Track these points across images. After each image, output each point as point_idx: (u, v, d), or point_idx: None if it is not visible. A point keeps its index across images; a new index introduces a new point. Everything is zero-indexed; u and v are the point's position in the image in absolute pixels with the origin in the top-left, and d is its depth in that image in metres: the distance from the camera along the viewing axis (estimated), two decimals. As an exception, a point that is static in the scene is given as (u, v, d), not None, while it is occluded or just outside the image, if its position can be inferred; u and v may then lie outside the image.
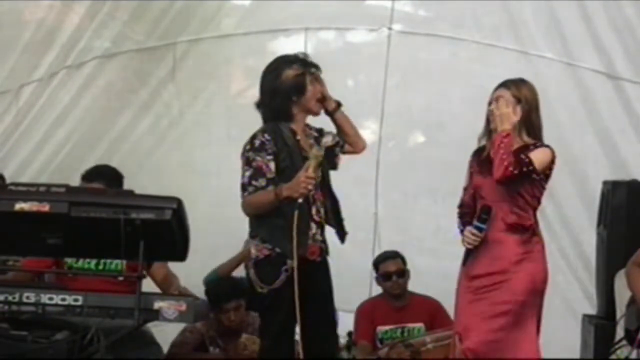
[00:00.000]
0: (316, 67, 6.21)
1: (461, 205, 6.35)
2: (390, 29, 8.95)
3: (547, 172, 6.14)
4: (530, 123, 6.15)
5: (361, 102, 8.60)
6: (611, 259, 7.71)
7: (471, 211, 6.22)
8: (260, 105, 6.18)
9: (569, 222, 8.63)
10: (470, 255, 6.13)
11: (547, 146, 6.13)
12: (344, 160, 6.44)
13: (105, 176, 7.28)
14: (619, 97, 8.55)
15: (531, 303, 6.08)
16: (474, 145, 6.36)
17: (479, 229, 6.01)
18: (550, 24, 8.72)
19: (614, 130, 8.59)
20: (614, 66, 8.51)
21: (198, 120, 8.81)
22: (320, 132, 6.29)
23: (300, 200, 5.80)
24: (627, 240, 7.39)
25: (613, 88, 8.58)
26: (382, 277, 7.99)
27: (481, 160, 6.21)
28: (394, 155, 8.47)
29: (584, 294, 8.43)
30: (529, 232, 6.11)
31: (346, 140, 6.36)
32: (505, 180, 5.94)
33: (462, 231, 6.20)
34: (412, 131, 8.22)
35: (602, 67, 8.57)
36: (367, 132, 8.59)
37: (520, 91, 6.14)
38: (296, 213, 5.79)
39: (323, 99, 6.18)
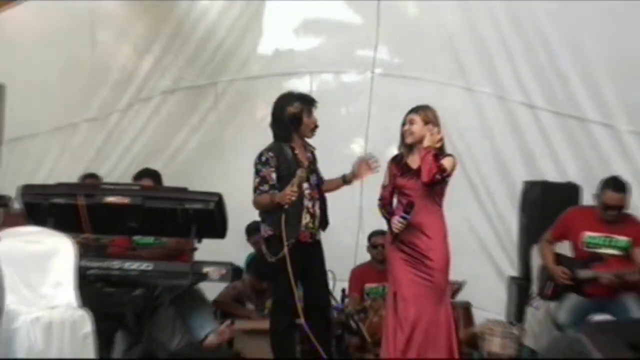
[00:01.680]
0: (314, 103, 6.29)
1: (381, 199, 6.24)
2: (373, 72, 9.05)
3: (451, 175, 6.10)
4: (438, 136, 6.06)
5: (352, 125, 8.90)
6: (528, 237, 7.86)
7: (388, 203, 6.19)
8: (271, 127, 6.30)
9: (499, 210, 8.67)
10: (397, 236, 6.06)
11: (451, 155, 6.14)
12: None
13: (151, 175, 7.57)
14: (535, 121, 8.59)
15: (447, 271, 6.13)
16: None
17: (405, 219, 5.93)
18: (488, 68, 8.72)
19: (531, 144, 8.64)
20: (532, 99, 8.56)
21: (233, 139, 8.96)
22: (314, 153, 6.39)
23: (286, 206, 5.99)
24: (540, 224, 7.50)
25: (532, 115, 8.60)
26: (372, 247, 7.97)
27: (401, 166, 6.14)
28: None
29: (509, 262, 8.45)
30: (439, 218, 6.14)
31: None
32: (431, 183, 5.92)
33: (387, 220, 6.15)
34: (388, 147, 7.65)
35: (524, 99, 8.60)
36: (357, 146, 8.99)
37: (426, 115, 6.09)
38: (283, 217, 5.98)
39: (315, 128, 6.26)
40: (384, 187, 6.27)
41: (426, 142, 6.01)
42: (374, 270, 7.95)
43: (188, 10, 8.86)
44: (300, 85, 8.31)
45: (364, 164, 6.40)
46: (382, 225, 7.46)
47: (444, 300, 6.13)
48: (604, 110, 8.40)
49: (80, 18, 8.66)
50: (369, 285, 7.89)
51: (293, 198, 6.00)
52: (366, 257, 8.14)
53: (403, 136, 6.21)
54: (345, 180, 6.43)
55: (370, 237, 8.02)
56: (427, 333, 5.96)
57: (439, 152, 6.05)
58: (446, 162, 6.02)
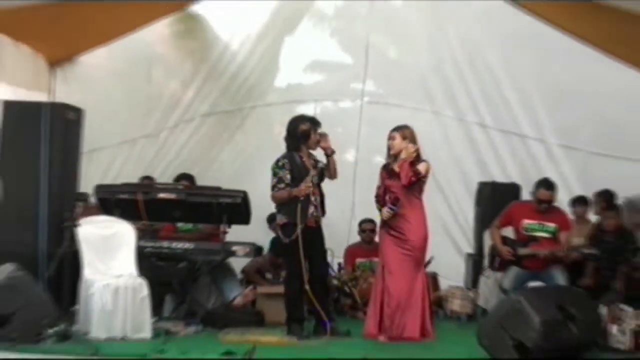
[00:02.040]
0: (319, 124, 6.23)
1: (376, 196, 6.25)
2: (362, 100, 8.99)
3: (427, 175, 6.18)
4: (415, 147, 6.10)
5: (346, 140, 8.68)
6: (481, 224, 7.85)
7: (381, 199, 6.18)
8: (285, 140, 6.24)
9: (459, 203, 8.65)
10: (386, 223, 6.13)
11: (425, 160, 6.16)
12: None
13: (187, 178, 7.60)
14: (486, 136, 8.65)
15: (424, 249, 6.19)
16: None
17: (392, 210, 6.03)
18: (450, 97, 8.74)
19: (483, 154, 8.68)
20: (483, 120, 8.64)
21: (255, 151, 8.80)
22: (316, 161, 6.24)
23: (301, 198, 5.96)
24: (490, 214, 7.47)
25: (483, 132, 8.67)
26: (362, 231, 7.87)
27: (389, 171, 6.16)
28: (364, 170, 8.33)
29: (467, 242, 8.40)
30: (419, 210, 6.16)
31: (327, 173, 6.25)
32: (409, 185, 6.01)
33: (380, 210, 6.20)
34: (374, 155, 8.01)
35: (478, 120, 8.66)
36: (350, 155, 8.82)
37: (404, 132, 6.14)
38: (299, 207, 5.93)
39: (317, 142, 6.15)
40: (378, 187, 6.28)
41: (402, 155, 6.09)
42: (362, 248, 7.89)
43: (222, 53, 8.82)
44: (307, 110, 8.14)
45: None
46: (369, 215, 7.51)
47: (421, 269, 6.18)
48: (537, 128, 8.54)
49: (140, 59, 8.66)
50: (359, 260, 7.80)
51: (308, 192, 5.99)
52: (357, 238, 8.05)
53: (389, 148, 6.22)
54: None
55: (360, 223, 7.93)
56: (408, 297, 6.00)
57: (416, 160, 6.09)
58: (421, 167, 6.08)
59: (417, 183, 6.08)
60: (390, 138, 6.20)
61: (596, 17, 6.82)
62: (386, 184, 6.19)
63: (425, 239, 6.16)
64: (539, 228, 6.92)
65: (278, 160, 6.15)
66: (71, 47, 8.25)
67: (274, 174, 6.12)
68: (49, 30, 7.33)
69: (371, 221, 7.71)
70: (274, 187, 6.11)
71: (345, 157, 8.44)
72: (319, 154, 6.31)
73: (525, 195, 7.55)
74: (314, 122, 6.27)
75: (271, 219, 7.55)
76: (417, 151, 6.14)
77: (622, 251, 6.92)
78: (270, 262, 7.57)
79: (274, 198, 6.15)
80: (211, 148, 8.89)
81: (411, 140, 6.16)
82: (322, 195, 6.23)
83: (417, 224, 6.13)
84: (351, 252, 7.91)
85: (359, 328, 6.34)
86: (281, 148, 6.31)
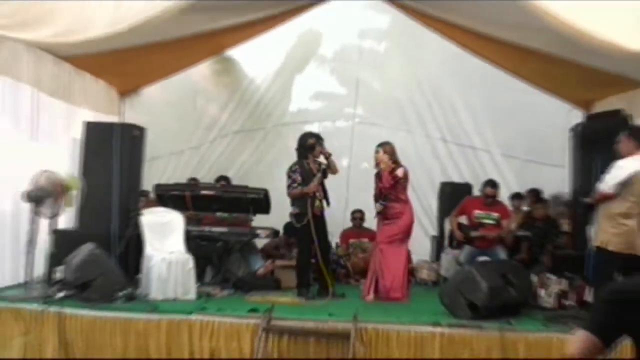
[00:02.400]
0: (323, 139, 6.23)
1: (375, 196, 6.21)
2: (354, 121, 8.90)
3: (406, 178, 6.16)
4: (394, 158, 6.12)
5: (342, 151, 8.35)
6: (443, 213, 7.75)
7: (378, 198, 6.18)
8: (296, 150, 6.22)
9: (427, 198, 8.47)
10: (379, 213, 6.18)
11: (403, 166, 6.15)
12: (331, 176, 6.33)
13: (224, 179, 7.60)
14: (446, 149, 8.62)
15: (407, 233, 6.20)
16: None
17: (382, 205, 6.12)
18: (420, 119, 8.69)
19: (444, 161, 8.63)
20: (445, 136, 8.64)
21: (274, 159, 8.60)
22: (320, 164, 6.20)
23: (310, 195, 5.98)
24: (449, 206, 7.37)
25: (444, 145, 8.66)
26: (353, 219, 7.77)
27: (379, 177, 6.15)
28: (355, 173, 8.25)
29: (432, 227, 8.29)
30: (404, 203, 6.18)
31: (329, 170, 6.21)
32: (390, 187, 6.03)
33: (375, 205, 6.23)
34: (362, 163, 7.86)
35: (441, 136, 8.65)
36: (344, 162, 8.51)
37: (385, 148, 6.15)
38: (309, 202, 5.96)
39: (320, 152, 6.12)
40: (375, 189, 6.24)
41: (382, 166, 6.13)
42: (354, 232, 7.79)
43: (248, 86, 8.79)
44: (312, 128, 8.08)
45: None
46: (358, 206, 7.47)
47: (406, 244, 6.20)
48: (484, 142, 8.57)
49: (187, 91, 8.64)
50: (351, 240, 7.71)
51: (315, 190, 6.00)
52: (349, 225, 7.95)
53: (375, 160, 6.22)
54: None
55: (352, 212, 7.84)
56: (397, 268, 6.02)
57: (395, 168, 6.09)
58: (399, 172, 6.07)
59: (398, 184, 6.05)
60: (375, 152, 6.19)
61: (525, 58, 6.86)
62: (379, 187, 6.17)
63: (410, 225, 6.16)
64: (486, 217, 6.88)
65: (291, 167, 6.13)
66: (136, 82, 8.24)
67: (288, 177, 6.09)
68: (119, 70, 7.32)
69: (360, 211, 7.68)
70: (289, 187, 6.07)
71: (340, 164, 8.34)
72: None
73: (475, 192, 7.51)
74: (318, 138, 6.22)
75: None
76: (395, 162, 6.12)
77: (548, 234, 7.01)
78: (284, 242, 7.55)
79: (289, 195, 6.11)
80: (240, 157, 8.83)
81: (391, 153, 6.15)
82: (325, 191, 6.20)
83: (406, 215, 6.12)
84: (345, 235, 7.80)
85: (351, 292, 6.35)
86: (294, 157, 6.27)
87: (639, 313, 1.98)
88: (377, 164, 6.18)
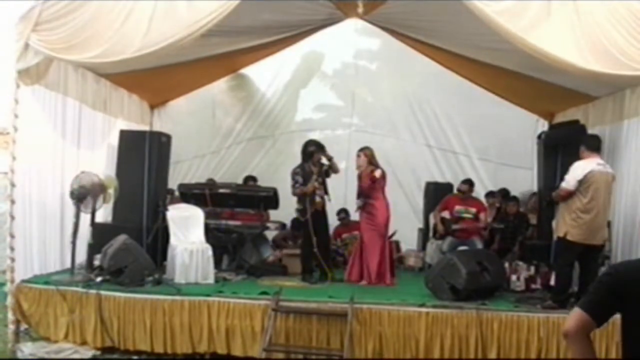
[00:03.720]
0: (323, 147, 6.14)
1: (357, 193, 6.14)
2: (350, 129, 8.73)
3: (384, 179, 6.05)
4: (373, 161, 6.09)
5: (340, 156, 7.84)
6: (428, 209, 7.65)
7: (359, 195, 6.12)
8: (301, 154, 6.17)
9: (414, 195, 8.35)
10: (362, 209, 6.07)
11: (381, 168, 6.07)
12: (333, 176, 6.26)
13: (252, 179, 7.61)
14: (431, 153, 8.51)
15: (384, 226, 6.08)
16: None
17: (363, 202, 6.05)
18: (407, 127, 8.56)
19: (429, 164, 8.50)
20: (429, 142, 8.51)
21: (282, 162, 8.32)
22: (322, 165, 6.12)
23: (309, 194, 5.90)
24: (433, 203, 7.34)
25: (429, 150, 8.52)
26: (339, 218, 7.58)
27: (360, 178, 6.13)
28: (351, 175, 7.45)
29: (418, 221, 8.12)
30: (381, 201, 6.04)
31: (331, 170, 6.14)
32: (368, 186, 5.98)
33: (356, 201, 6.14)
34: None
35: (425, 142, 8.50)
36: (343, 164, 8.22)
37: (365, 152, 6.13)
38: (308, 200, 5.90)
39: (318, 161, 6.04)
40: (357, 188, 6.19)
41: (361, 168, 6.12)
42: (342, 228, 7.60)
43: (260, 99, 8.71)
44: (314, 136, 7.96)
45: None
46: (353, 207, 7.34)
47: (384, 237, 6.10)
48: (464, 147, 8.50)
49: (207, 103, 8.57)
50: (344, 235, 7.52)
51: (312, 189, 5.95)
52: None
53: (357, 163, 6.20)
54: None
55: (337, 213, 7.64)
56: (374, 251, 5.95)
57: (374, 169, 6.03)
58: (377, 173, 5.99)
59: (375, 184, 5.97)
60: (357, 156, 6.15)
61: (497, 76, 6.87)
62: (360, 186, 6.14)
63: (387, 219, 6.07)
64: (465, 211, 6.82)
65: (294, 169, 6.12)
66: (164, 96, 8.21)
67: (292, 178, 6.08)
68: (150, 86, 7.30)
69: (344, 210, 7.58)
70: (292, 187, 6.06)
71: (339, 166, 8.37)
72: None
73: (456, 190, 7.39)
74: (318, 146, 6.14)
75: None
76: (373, 165, 6.05)
77: (519, 227, 6.98)
78: (291, 234, 7.51)
79: (293, 193, 6.09)
80: (253, 160, 8.75)
81: (370, 156, 6.10)
82: (326, 190, 6.13)
83: (382, 210, 6.04)
84: (336, 232, 7.59)
85: (348, 277, 6.32)
86: (299, 160, 6.23)
87: (633, 297, 1.93)
88: (358, 166, 6.14)
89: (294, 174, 6.05)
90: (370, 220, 6.06)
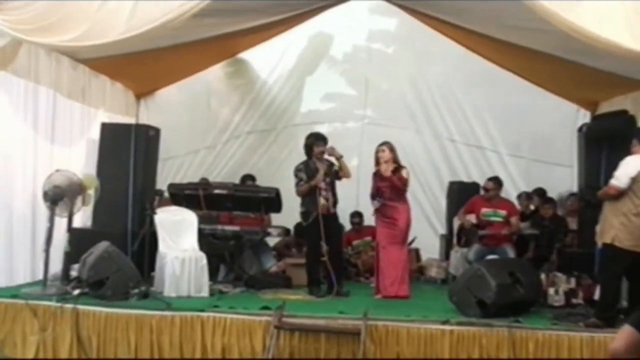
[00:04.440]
0: (321, 137, 6.10)
1: (371, 195, 6.12)
2: (363, 122, 8.78)
3: (409, 178, 6.14)
4: (396, 158, 6.09)
5: (352, 151, 8.14)
6: (451, 212, 7.66)
7: (375, 196, 6.10)
8: (304, 150, 6.17)
9: (436, 197, 8.43)
10: (380, 211, 6.07)
11: (405, 167, 6.14)
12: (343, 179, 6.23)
13: (251, 178, 7.60)
14: (455, 148, 8.52)
15: (407, 233, 6.13)
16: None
17: (380, 202, 6.02)
18: (428, 118, 8.57)
19: (453, 161, 8.53)
20: (453, 136, 8.54)
21: (285, 159, 8.44)
22: (331, 165, 6.08)
23: (317, 186, 5.86)
24: (457, 205, 7.35)
25: (453, 145, 8.54)
26: (352, 223, 7.60)
27: (379, 177, 6.08)
28: (365, 173, 7.43)
29: (440, 226, 8.21)
30: (404, 204, 6.09)
31: (341, 172, 6.11)
32: (399, 188, 5.98)
33: (373, 202, 6.12)
34: (372, 162, 7.63)
35: (449, 136, 8.53)
36: (354, 161, 8.28)
37: (390, 145, 6.12)
38: (310, 200, 5.90)
39: (321, 152, 6.00)
40: (372, 188, 6.17)
41: (385, 168, 6.04)
42: (354, 234, 7.65)
43: (261, 88, 8.73)
44: (321, 129, 7.85)
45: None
46: (369, 204, 7.30)
47: (404, 245, 6.15)
48: (492, 142, 8.51)
49: (201, 92, 8.60)
50: (354, 242, 7.56)
51: (319, 182, 5.91)
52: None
53: (376, 158, 6.15)
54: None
55: (351, 216, 7.66)
56: (398, 265, 5.96)
57: (398, 167, 6.05)
58: (404, 172, 6.04)
59: (405, 185, 6.06)
60: (381, 151, 6.12)
61: (529, 60, 6.81)
62: (378, 186, 6.08)
63: (409, 223, 6.08)
64: (493, 214, 6.75)
65: (297, 166, 6.11)
66: (151, 85, 8.23)
67: (295, 176, 6.07)
68: (135, 73, 7.31)
69: (358, 214, 7.58)
70: (296, 185, 6.05)
71: (350, 164, 8.27)
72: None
73: (483, 191, 7.31)
74: (316, 137, 6.12)
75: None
76: (398, 162, 6.09)
77: (556, 233, 6.90)
78: (294, 242, 7.49)
79: (298, 193, 6.06)
80: (253, 157, 8.76)
81: (395, 152, 6.14)
82: (334, 191, 6.10)
83: (404, 214, 6.04)
84: (347, 238, 7.58)
85: (361, 289, 6.33)
86: (304, 157, 6.23)
87: None
88: (380, 162, 6.09)
89: (297, 170, 6.07)
90: (390, 225, 6.04)
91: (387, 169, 6.02)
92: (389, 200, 6.02)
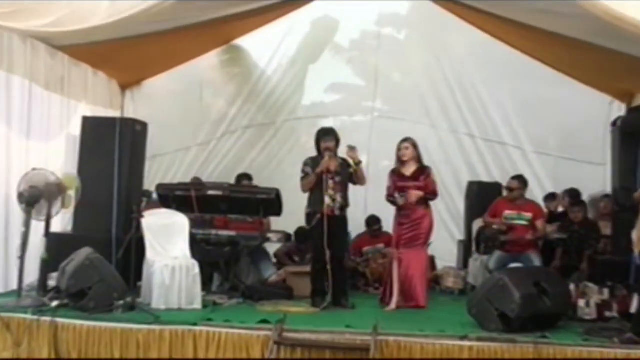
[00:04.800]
0: (330, 132, 6.12)
1: (389, 195, 6.16)
2: (372, 115, 8.79)
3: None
4: (419, 156, 6.22)
5: (360, 148, 7.66)
6: (470, 216, 7.70)
7: (392, 197, 6.16)
8: (315, 145, 6.13)
9: (453, 199, 8.41)
10: (400, 213, 6.16)
11: (430, 167, 6.28)
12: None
13: (247, 177, 7.60)
14: (474, 145, 8.53)
15: (428, 238, 6.21)
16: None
17: (403, 196, 6.05)
18: (444, 112, 8.59)
19: (472, 158, 8.54)
20: (472, 131, 8.52)
21: (286, 156, 8.61)
22: (348, 165, 6.02)
23: (323, 176, 5.84)
24: (477, 208, 7.42)
25: (472, 141, 8.54)
26: (372, 229, 7.53)
27: (398, 175, 6.18)
28: (374, 171, 7.96)
29: (458, 231, 8.23)
30: (426, 207, 6.16)
31: (355, 177, 6.08)
32: (433, 190, 6.14)
33: (392, 202, 6.19)
34: (382, 161, 7.95)
35: (467, 131, 8.53)
36: (364, 158, 8.10)
37: (413, 142, 6.21)
38: (314, 198, 5.93)
39: (327, 149, 5.98)
40: (388, 188, 6.22)
41: (410, 167, 6.16)
42: (367, 238, 7.65)
43: (259, 78, 8.76)
44: (327, 124, 7.80)
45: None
46: (378, 205, 7.26)
47: (425, 249, 6.25)
48: (515, 138, 8.51)
49: (193, 83, 8.65)
50: (365, 248, 7.54)
51: (326, 165, 5.88)
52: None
53: (399, 156, 6.21)
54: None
55: (369, 223, 7.61)
56: (417, 271, 6.07)
57: (421, 167, 6.20)
58: (433, 178, 6.22)
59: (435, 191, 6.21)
60: (404, 148, 6.20)
61: (558, 47, 6.77)
62: (398, 185, 6.14)
63: (431, 230, 6.19)
64: (517, 217, 6.71)
65: (305, 161, 6.14)
66: (138, 74, 8.26)
67: (302, 170, 6.07)
68: (120, 61, 7.33)
69: (379, 221, 7.54)
70: (301, 180, 6.06)
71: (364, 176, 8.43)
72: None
73: (506, 192, 7.27)
74: (325, 132, 6.15)
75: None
76: (420, 163, 6.21)
77: (587, 239, 6.83)
78: (296, 248, 7.48)
79: (302, 187, 6.05)
80: (250, 154, 8.77)
81: (417, 148, 6.24)
82: (344, 192, 6.05)
83: (428, 217, 6.15)
84: (359, 241, 7.64)
85: (370, 300, 6.31)
86: (306, 154, 6.25)
87: None
88: (404, 160, 6.17)
89: (304, 164, 6.10)
90: (412, 232, 6.11)
91: (409, 168, 6.13)
92: (416, 204, 6.10)
